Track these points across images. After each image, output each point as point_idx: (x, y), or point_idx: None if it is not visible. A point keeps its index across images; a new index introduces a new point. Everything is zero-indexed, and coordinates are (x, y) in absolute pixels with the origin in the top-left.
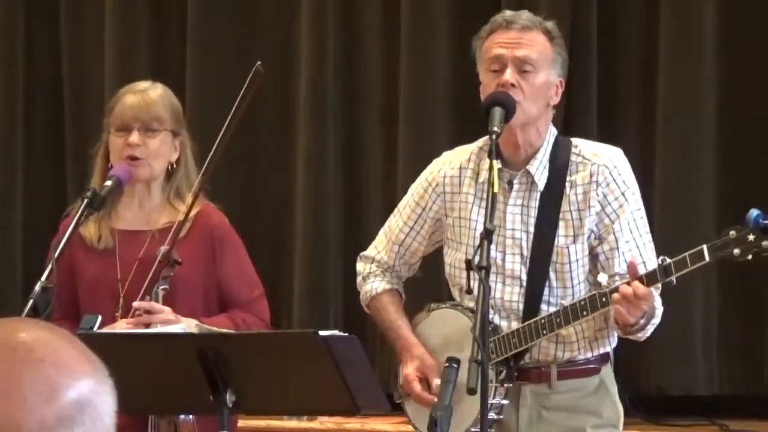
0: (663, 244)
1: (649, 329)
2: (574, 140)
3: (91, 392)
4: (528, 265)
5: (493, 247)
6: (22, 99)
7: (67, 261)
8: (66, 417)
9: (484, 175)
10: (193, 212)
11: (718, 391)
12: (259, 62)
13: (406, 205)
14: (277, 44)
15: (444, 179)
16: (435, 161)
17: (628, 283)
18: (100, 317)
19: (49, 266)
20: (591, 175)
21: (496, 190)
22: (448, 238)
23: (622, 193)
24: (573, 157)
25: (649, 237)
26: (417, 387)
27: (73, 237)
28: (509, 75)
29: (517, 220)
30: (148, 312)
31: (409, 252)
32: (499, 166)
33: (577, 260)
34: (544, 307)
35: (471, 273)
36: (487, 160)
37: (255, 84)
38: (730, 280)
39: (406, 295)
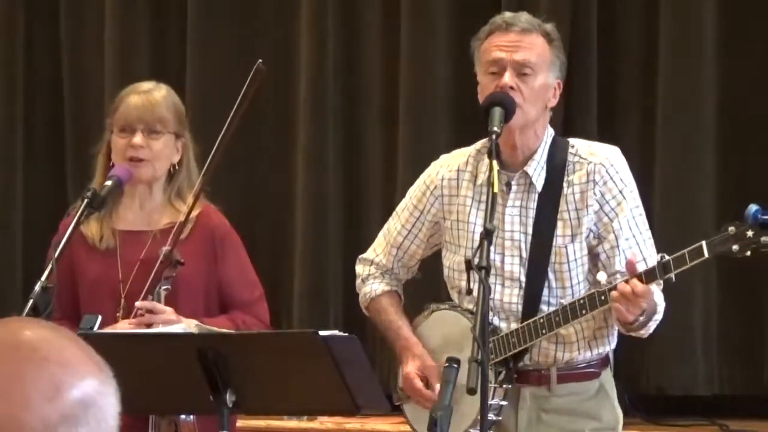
0: (663, 244)
1: (652, 326)
2: (571, 140)
3: (96, 392)
4: (527, 266)
5: (492, 248)
6: (22, 99)
7: (68, 260)
8: (70, 416)
9: (482, 177)
10: (194, 213)
11: (718, 391)
12: (260, 60)
13: (404, 208)
14: (277, 44)
15: (442, 182)
16: (433, 164)
17: (627, 281)
18: (100, 317)
19: (49, 266)
20: (588, 174)
21: (496, 190)
22: (446, 241)
23: (620, 191)
24: (570, 157)
25: (649, 234)
26: (418, 384)
27: (75, 236)
28: (508, 78)
29: (516, 221)
30: (150, 312)
31: (407, 255)
32: (497, 168)
33: (575, 260)
34: (543, 307)
35: (471, 273)
36: (485, 162)
37: (256, 82)
38: (730, 280)
39: (405, 297)
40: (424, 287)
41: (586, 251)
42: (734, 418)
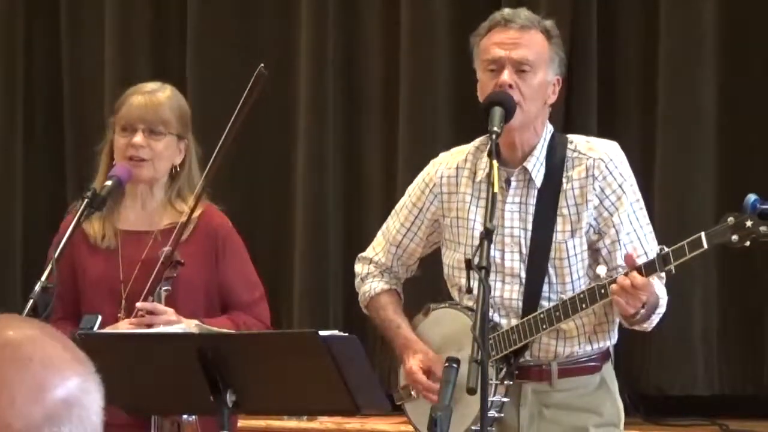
0: (663, 243)
1: (654, 319)
2: (570, 136)
3: (79, 390)
4: (527, 262)
5: (492, 245)
6: (22, 99)
7: (70, 259)
8: (54, 415)
9: (481, 175)
10: (196, 213)
11: (718, 391)
12: (262, 65)
13: (403, 206)
14: (277, 44)
15: (441, 180)
16: (432, 162)
17: (626, 274)
18: (100, 317)
19: (49, 266)
20: (587, 170)
21: (496, 189)
22: (446, 239)
23: (620, 185)
24: (569, 153)
25: (650, 228)
26: (421, 376)
27: (77, 234)
28: (507, 76)
29: (516, 218)
30: (151, 313)
31: (406, 253)
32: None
33: (575, 255)
34: (543, 303)
35: (471, 273)
36: (484, 159)
37: (257, 87)
38: (731, 280)
39: (406, 295)
40: (424, 286)
41: (586, 246)
42: (734, 418)
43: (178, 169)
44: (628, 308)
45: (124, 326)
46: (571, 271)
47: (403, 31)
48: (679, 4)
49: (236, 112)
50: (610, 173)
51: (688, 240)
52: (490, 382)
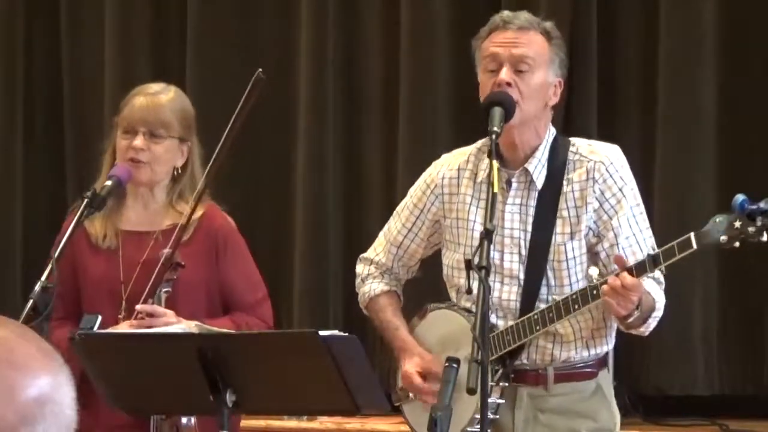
0: (663, 243)
1: (651, 323)
2: (572, 139)
3: (50, 387)
4: (526, 264)
5: (491, 246)
6: (22, 99)
7: (71, 258)
8: (28, 415)
9: (482, 176)
10: (198, 214)
11: (718, 391)
12: (260, 70)
13: (404, 207)
14: (277, 44)
15: (442, 181)
16: (434, 164)
17: (617, 275)
18: (99, 317)
19: (50, 266)
20: (587, 172)
21: (496, 189)
22: (446, 240)
23: (620, 189)
24: (570, 156)
25: (650, 232)
26: (417, 380)
27: (79, 233)
28: (505, 74)
29: (516, 219)
30: (151, 315)
31: (407, 254)
32: (497, 165)
33: (574, 258)
34: (541, 305)
35: (471, 273)
36: (486, 161)
37: (256, 91)
38: (730, 280)
39: (405, 297)
40: (424, 287)
41: (585, 249)
42: (734, 418)
43: (180, 171)
44: (619, 309)
45: (123, 328)
46: (569, 273)
47: (403, 31)
48: (679, 4)
49: (234, 117)
50: (611, 176)
51: (678, 241)
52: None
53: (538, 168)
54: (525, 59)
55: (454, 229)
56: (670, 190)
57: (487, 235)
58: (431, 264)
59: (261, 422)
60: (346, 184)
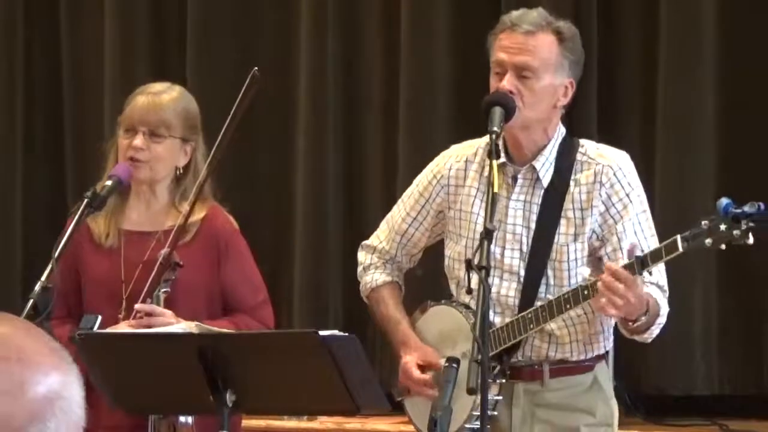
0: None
1: (654, 330)
2: (582, 141)
3: (59, 385)
4: (527, 261)
5: (493, 241)
6: (22, 99)
7: (73, 257)
8: (38, 412)
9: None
10: (201, 215)
11: (718, 391)
12: (255, 68)
13: (410, 195)
14: (277, 44)
15: (449, 172)
16: (442, 154)
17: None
18: (99, 317)
19: (50, 266)
20: (595, 175)
21: (496, 189)
22: (449, 231)
23: (627, 194)
24: (579, 157)
25: (655, 240)
26: (415, 372)
27: (82, 231)
28: (507, 82)
29: (519, 215)
30: (150, 315)
31: (411, 243)
32: (503, 160)
33: (575, 259)
34: (539, 304)
35: (471, 272)
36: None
37: (252, 90)
38: (730, 280)
39: (406, 292)
40: (424, 283)
41: (587, 252)
42: (734, 418)
43: (183, 171)
44: (608, 308)
45: (122, 328)
46: (569, 275)
47: (403, 31)
48: (679, 4)
49: (230, 116)
50: (618, 181)
51: (665, 243)
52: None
53: (546, 166)
54: (528, 67)
55: (457, 221)
56: (670, 190)
57: (488, 235)
58: (432, 260)
59: (261, 422)
60: (346, 183)
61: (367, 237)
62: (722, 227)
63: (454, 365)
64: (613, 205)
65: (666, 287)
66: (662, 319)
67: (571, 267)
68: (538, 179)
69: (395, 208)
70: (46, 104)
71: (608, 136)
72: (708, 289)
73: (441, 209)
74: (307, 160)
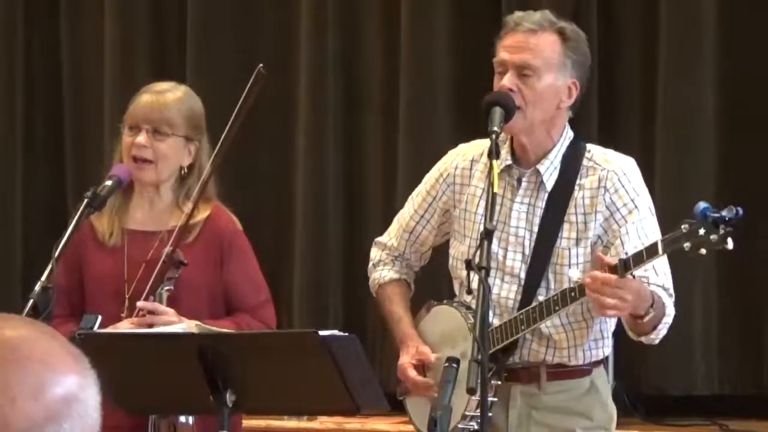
0: None
1: (662, 330)
2: (589, 145)
3: (77, 387)
4: (528, 263)
5: (495, 242)
6: (22, 99)
7: (77, 255)
8: (54, 413)
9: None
10: (204, 215)
11: (718, 391)
12: (261, 65)
13: (418, 193)
14: (277, 44)
15: (455, 170)
16: (450, 152)
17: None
18: (99, 317)
19: (50, 266)
20: (599, 180)
21: (496, 190)
22: (454, 230)
23: (632, 200)
24: (585, 161)
25: None
26: (411, 372)
27: (86, 229)
28: (507, 80)
29: (522, 218)
30: (152, 313)
31: (419, 241)
32: (509, 162)
33: (577, 264)
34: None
35: (471, 273)
36: (502, 154)
37: (257, 87)
38: (730, 280)
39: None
40: (425, 282)
41: (589, 258)
42: (734, 418)
43: (187, 170)
44: (602, 310)
45: (124, 326)
46: (570, 279)
47: (403, 31)
48: (679, 3)
49: (235, 112)
50: (623, 186)
51: (646, 246)
52: (477, 380)
53: (550, 170)
54: (528, 66)
55: (461, 221)
56: (670, 190)
57: (487, 235)
58: (433, 258)
59: (261, 422)
60: (346, 184)
61: (367, 237)
62: (701, 231)
63: (454, 365)
64: (618, 210)
65: (671, 290)
66: (668, 320)
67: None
68: (541, 183)
69: (405, 205)
70: (46, 104)
71: (608, 136)
72: (708, 289)
73: (447, 208)
74: (307, 160)
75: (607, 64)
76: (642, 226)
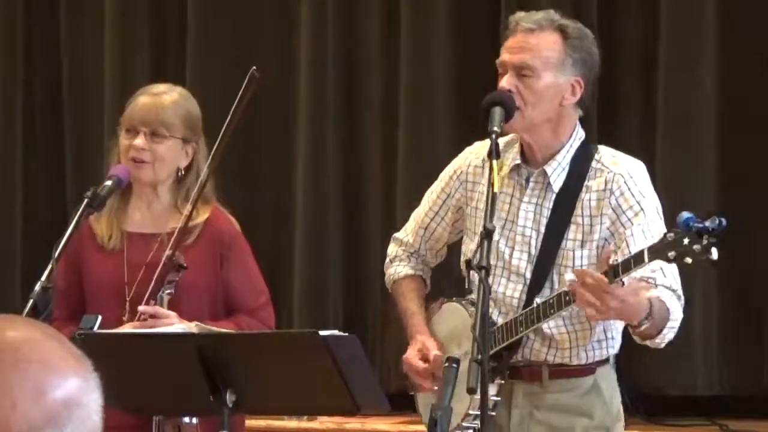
0: None
1: (667, 334)
2: (600, 147)
3: (79, 391)
4: (534, 263)
5: (503, 241)
6: (22, 99)
7: (76, 257)
8: (55, 416)
9: (506, 170)
10: (203, 217)
11: (718, 391)
12: (254, 67)
13: (433, 190)
14: (277, 44)
15: (468, 168)
16: (466, 149)
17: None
18: (99, 317)
19: (50, 266)
20: (606, 183)
21: (496, 190)
22: (466, 228)
23: (638, 202)
24: (593, 163)
25: None
26: (416, 362)
27: (84, 232)
28: (505, 81)
29: (530, 218)
30: (153, 316)
31: (433, 237)
32: (518, 162)
33: (581, 265)
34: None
35: (471, 273)
36: (511, 154)
37: (250, 89)
38: (730, 281)
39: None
40: (432, 278)
41: (594, 260)
42: (734, 418)
43: (184, 172)
44: (592, 312)
45: (126, 330)
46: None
47: (403, 30)
48: (680, 3)
49: (230, 116)
50: (629, 189)
51: (634, 254)
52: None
53: (557, 171)
54: (527, 66)
55: (472, 218)
56: (670, 190)
57: (487, 235)
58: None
59: (261, 422)
60: (346, 183)
61: (367, 237)
62: (686, 241)
63: (454, 365)
64: (624, 212)
65: (680, 292)
66: (674, 324)
67: None
68: (549, 184)
69: (422, 202)
70: (46, 104)
71: (608, 136)
72: (708, 289)
73: (460, 205)
74: (307, 160)
75: (607, 64)
76: (648, 228)
